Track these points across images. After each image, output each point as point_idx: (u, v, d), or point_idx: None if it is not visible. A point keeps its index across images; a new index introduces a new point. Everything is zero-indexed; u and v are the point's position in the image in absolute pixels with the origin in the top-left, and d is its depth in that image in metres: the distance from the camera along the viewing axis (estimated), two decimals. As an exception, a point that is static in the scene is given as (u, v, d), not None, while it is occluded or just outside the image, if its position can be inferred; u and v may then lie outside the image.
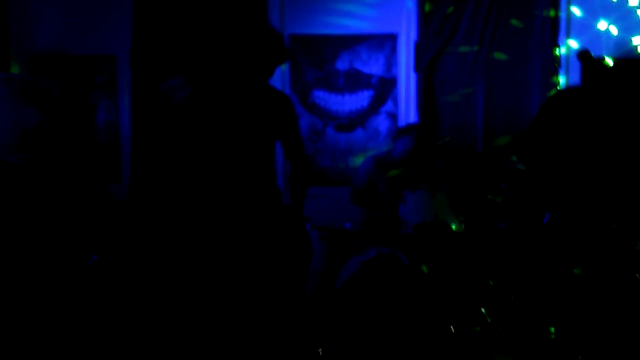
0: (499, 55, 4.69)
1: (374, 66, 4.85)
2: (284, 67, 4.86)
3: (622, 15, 4.62)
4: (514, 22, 4.65)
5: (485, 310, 3.52)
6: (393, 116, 4.84)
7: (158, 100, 4.73)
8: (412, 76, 4.81)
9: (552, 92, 4.66)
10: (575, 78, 4.67)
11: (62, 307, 3.59)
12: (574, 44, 4.66)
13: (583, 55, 4.63)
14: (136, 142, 4.78)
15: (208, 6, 4.72)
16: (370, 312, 3.29)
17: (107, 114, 4.92)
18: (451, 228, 3.71)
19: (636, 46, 3.61)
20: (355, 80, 4.86)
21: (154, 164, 4.72)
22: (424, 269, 3.49)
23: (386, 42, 4.83)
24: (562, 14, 4.65)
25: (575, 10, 4.65)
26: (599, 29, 4.63)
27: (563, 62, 4.69)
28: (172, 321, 3.31)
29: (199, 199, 2.77)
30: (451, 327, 3.34)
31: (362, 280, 3.37)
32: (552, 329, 3.12)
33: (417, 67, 4.77)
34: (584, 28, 4.65)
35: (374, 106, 4.87)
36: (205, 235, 2.76)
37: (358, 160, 4.85)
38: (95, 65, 4.87)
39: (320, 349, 3.25)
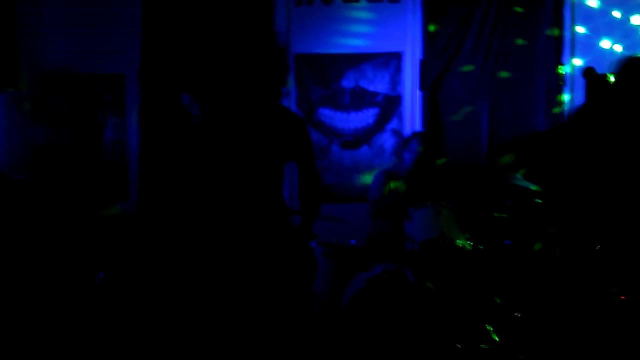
0: (504, 74, 4.72)
1: (379, 84, 4.89)
2: (289, 86, 4.90)
3: (626, 33, 4.66)
4: (519, 41, 4.68)
5: (491, 327, 3.51)
6: (398, 134, 4.86)
7: (167, 119, 4.78)
8: (417, 94, 4.84)
9: (557, 110, 4.68)
10: (580, 96, 4.69)
11: (67, 324, 3.59)
12: (578, 62, 4.69)
13: (588, 73, 4.67)
14: (144, 160, 4.81)
15: (216, 26, 4.78)
16: (377, 330, 3.28)
17: (115, 131, 4.96)
18: (457, 245, 3.70)
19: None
20: (360, 98, 4.89)
21: (162, 181, 4.76)
22: (430, 285, 3.49)
23: (391, 60, 4.87)
24: (567, 33, 4.68)
25: (580, 29, 4.69)
26: (603, 47, 4.66)
27: (568, 81, 4.71)
28: (176, 337, 3.30)
29: (206, 218, 2.79)
30: (457, 344, 3.32)
31: (368, 297, 3.36)
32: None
33: (423, 85, 4.80)
34: (588, 47, 4.68)
35: (380, 124, 4.90)
36: (211, 253, 2.77)
37: (364, 178, 4.87)
38: (103, 83, 4.92)
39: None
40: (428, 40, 4.76)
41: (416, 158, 4.30)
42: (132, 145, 4.91)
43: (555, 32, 4.66)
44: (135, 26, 4.80)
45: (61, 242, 4.17)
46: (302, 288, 2.73)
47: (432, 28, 4.75)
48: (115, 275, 4.22)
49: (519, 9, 4.67)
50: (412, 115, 4.86)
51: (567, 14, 4.68)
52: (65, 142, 4.70)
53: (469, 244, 3.75)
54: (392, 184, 4.28)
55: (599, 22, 4.67)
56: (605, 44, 4.66)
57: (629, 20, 4.66)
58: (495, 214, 4.11)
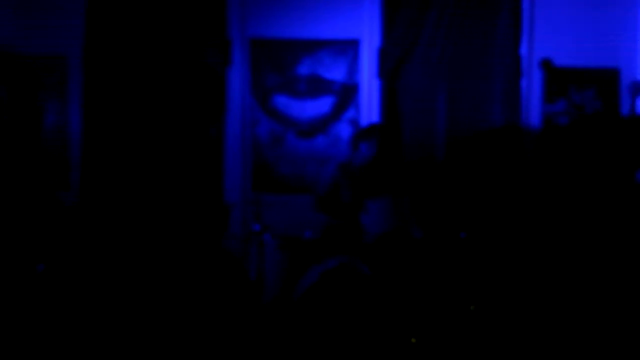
0: (462, 62, 4.67)
1: (336, 72, 4.78)
2: (245, 71, 4.76)
3: (584, 25, 4.67)
4: (477, 29, 4.65)
5: (446, 319, 3.47)
6: (355, 123, 4.76)
7: (112, 103, 4.58)
8: (375, 83, 4.75)
9: (514, 99, 4.67)
10: (538, 87, 4.69)
11: (7, 316, 3.45)
12: (537, 53, 4.68)
13: (545, 64, 4.68)
14: (87, 147, 4.60)
15: (163, 6, 4.60)
16: (329, 323, 3.21)
17: (57, 116, 4.71)
18: (412, 237, 3.65)
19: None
20: (317, 86, 4.77)
21: (105, 170, 4.56)
22: (384, 278, 3.42)
23: (348, 47, 4.76)
24: (525, 22, 4.66)
25: (539, 20, 4.68)
26: (561, 37, 4.67)
27: (525, 71, 4.69)
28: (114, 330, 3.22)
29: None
30: (412, 338, 3.27)
31: (321, 290, 3.28)
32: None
33: (381, 73, 4.72)
34: (547, 37, 4.67)
35: (336, 113, 4.79)
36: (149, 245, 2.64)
37: (320, 168, 4.77)
38: (44, 65, 4.66)
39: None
40: (386, 27, 4.68)
41: (374, 155, 4.17)
42: (73, 132, 4.68)
43: (514, 21, 4.63)
44: (78, 4, 4.56)
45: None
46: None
47: (390, 15, 4.66)
48: (55, 268, 4.04)
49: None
50: (369, 104, 4.77)
51: (526, 3, 4.66)
52: (3, 127, 4.46)
53: (424, 236, 3.71)
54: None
55: (559, 11, 4.67)
56: (564, 33, 4.66)
57: (586, 11, 4.67)
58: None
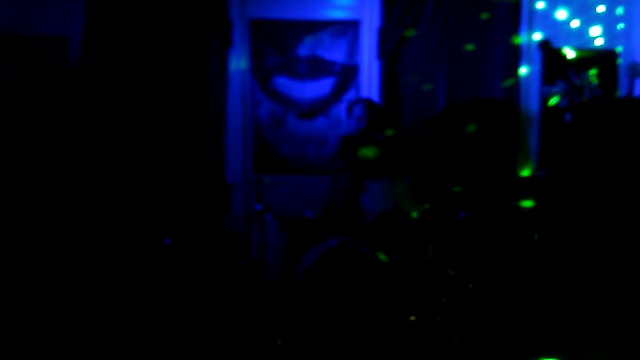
0: (462, 44, 4.67)
1: (336, 53, 4.78)
2: (245, 52, 4.76)
3: (583, 6, 4.67)
4: (477, 11, 4.64)
5: (445, 299, 3.52)
6: (355, 104, 4.78)
7: (115, 86, 4.59)
8: (375, 64, 4.76)
9: (513, 81, 4.68)
10: (537, 69, 4.70)
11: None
12: (536, 35, 4.68)
13: (544, 45, 4.68)
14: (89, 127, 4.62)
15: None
16: (330, 302, 3.26)
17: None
18: (412, 217, 3.69)
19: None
20: (317, 67, 4.78)
21: (107, 150, 4.58)
22: (384, 258, 3.47)
23: (349, 28, 4.76)
24: (524, 5, 4.66)
25: (539, 2, 4.67)
26: (560, 20, 4.66)
27: (525, 53, 4.70)
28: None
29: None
30: (411, 316, 3.33)
31: (322, 270, 3.33)
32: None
33: (380, 54, 4.72)
34: (546, 19, 4.67)
35: (336, 94, 4.80)
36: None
37: (319, 149, 4.81)
38: (46, 46, 4.66)
39: (279, 340, 3.20)
40: (386, 7, 4.66)
41: (366, 116, 4.22)
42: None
43: (515, 3, 4.63)
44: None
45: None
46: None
47: (390, -5, 4.65)
48: (60, 244, 4.08)
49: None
50: (369, 85, 4.78)
51: (526, -16, 4.66)
52: (7, 107, 4.47)
53: (423, 216, 3.75)
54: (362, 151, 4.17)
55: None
56: (562, 15, 4.66)
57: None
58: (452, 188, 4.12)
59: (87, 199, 4.47)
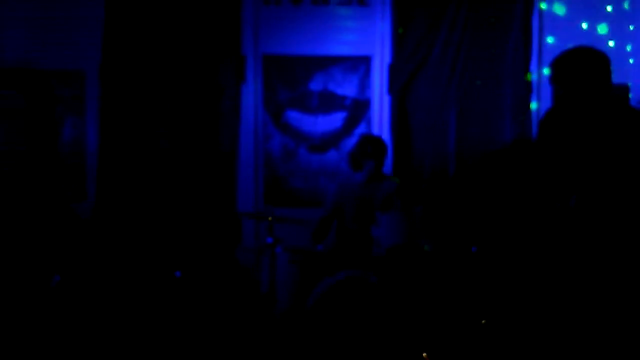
0: (472, 80, 4.71)
1: (348, 88, 4.83)
2: (258, 87, 4.82)
3: (592, 43, 4.69)
4: (487, 47, 4.69)
5: (458, 333, 3.47)
6: (366, 138, 4.80)
7: (129, 118, 4.65)
8: (386, 99, 4.80)
9: (523, 117, 4.69)
10: (547, 105, 4.72)
11: (20, 328, 3.47)
12: (546, 71, 4.71)
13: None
14: (103, 160, 4.66)
15: (179, 23, 4.68)
16: (340, 335, 3.22)
17: (74, 130, 4.79)
18: (424, 250, 3.66)
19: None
20: (328, 102, 4.83)
21: (121, 182, 4.62)
22: (396, 291, 3.43)
23: (360, 64, 4.83)
24: (534, 41, 4.71)
25: (548, 38, 4.72)
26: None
27: (535, 89, 4.73)
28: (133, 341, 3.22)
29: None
30: (424, 352, 3.28)
31: (331, 301, 3.30)
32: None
33: (391, 90, 4.76)
34: (557, 54, 4.70)
35: (348, 128, 4.84)
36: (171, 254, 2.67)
37: (331, 182, 4.81)
38: (63, 80, 4.75)
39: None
40: (397, 44, 4.72)
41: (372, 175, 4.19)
42: (90, 144, 4.75)
43: (524, 39, 4.67)
44: (97, 20, 4.65)
45: (13, 244, 4.02)
46: None
47: (401, 31, 4.72)
48: (71, 279, 4.08)
49: (487, 16, 4.67)
50: (380, 119, 4.82)
51: (535, 23, 4.71)
52: (22, 140, 4.54)
53: (435, 249, 3.72)
54: None
55: (567, 31, 4.71)
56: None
57: (595, 30, 4.71)
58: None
59: (100, 231, 4.49)
